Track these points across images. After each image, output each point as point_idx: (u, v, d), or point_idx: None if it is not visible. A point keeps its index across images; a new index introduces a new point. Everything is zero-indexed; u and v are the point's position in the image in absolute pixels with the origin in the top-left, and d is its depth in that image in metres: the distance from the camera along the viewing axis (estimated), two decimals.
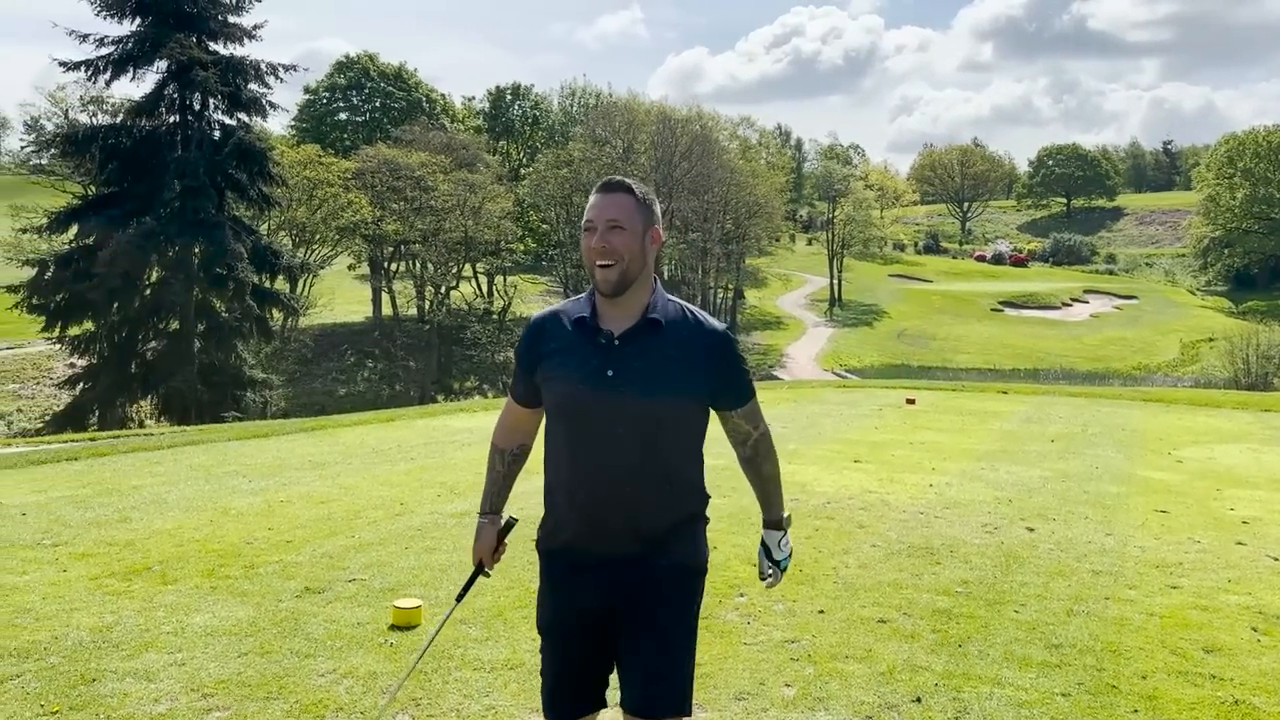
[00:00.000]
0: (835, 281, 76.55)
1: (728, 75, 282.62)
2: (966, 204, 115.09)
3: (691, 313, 2.63)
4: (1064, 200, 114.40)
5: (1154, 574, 5.99)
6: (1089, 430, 12.69)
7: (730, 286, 67.13)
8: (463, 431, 11.85)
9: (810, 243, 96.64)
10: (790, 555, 2.93)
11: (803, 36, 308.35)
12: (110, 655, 4.38)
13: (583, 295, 2.67)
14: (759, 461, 2.87)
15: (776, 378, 49.66)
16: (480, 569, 2.94)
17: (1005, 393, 17.64)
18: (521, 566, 5.87)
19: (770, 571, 2.91)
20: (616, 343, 2.54)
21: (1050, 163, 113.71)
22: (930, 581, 5.75)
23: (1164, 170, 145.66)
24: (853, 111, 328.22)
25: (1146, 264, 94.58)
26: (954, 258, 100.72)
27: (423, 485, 8.25)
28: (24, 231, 30.40)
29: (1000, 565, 6.09)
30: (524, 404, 2.80)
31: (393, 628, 4.79)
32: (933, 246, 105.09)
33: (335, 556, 6.05)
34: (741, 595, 5.46)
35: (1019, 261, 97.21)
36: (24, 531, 6.47)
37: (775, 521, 2.93)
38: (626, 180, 2.59)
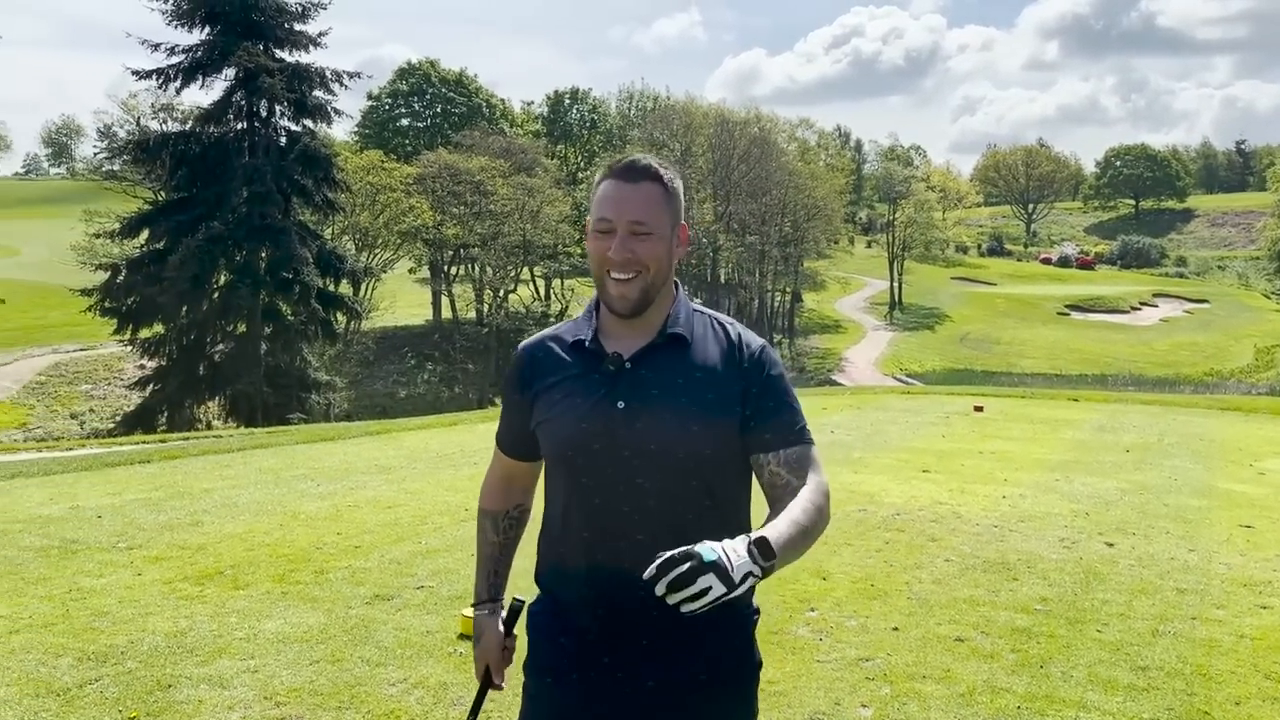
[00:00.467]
0: (896, 284, 75.68)
1: (786, 77, 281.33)
2: (1031, 206, 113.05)
3: (723, 325, 2.05)
4: (1132, 202, 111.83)
5: (1242, 593, 5.75)
6: (1165, 440, 12.31)
7: (788, 290, 66.69)
8: None
9: (870, 245, 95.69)
10: (732, 581, 1.58)
11: (863, 37, 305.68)
12: (185, 661, 4.42)
13: (579, 314, 2.10)
14: (803, 520, 1.85)
15: (836, 383, 49.20)
16: (489, 683, 2.17)
17: (1076, 400, 17.22)
18: None
19: (685, 568, 1.57)
20: (628, 366, 1.96)
21: (1118, 163, 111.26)
22: (1008, 598, 5.58)
23: (1237, 171, 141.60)
24: (914, 112, 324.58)
25: (1218, 267, 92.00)
26: (1018, 260, 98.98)
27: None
28: (97, 236, 31.22)
29: (1080, 582, 5.90)
30: (516, 456, 2.19)
31: (461, 636, 4.77)
32: (996, 249, 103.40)
33: (403, 563, 6.06)
34: (812, 610, 5.35)
35: (1086, 264, 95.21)
36: (100, 534, 6.58)
37: (763, 540, 1.67)
38: (653, 164, 1.99)
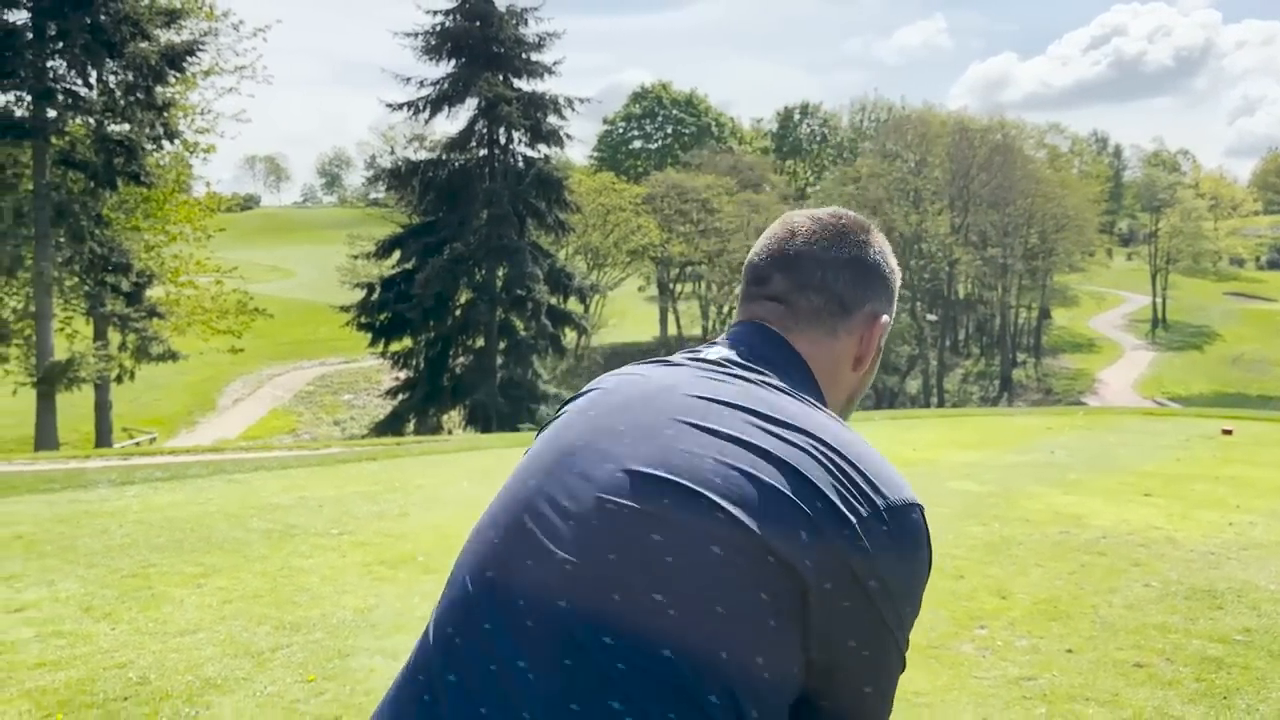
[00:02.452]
0: (1158, 300, 70.15)
1: (1038, 81, 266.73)
2: None
3: None
4: None
5: None
6: None
7: (1035, 306, 63.21)
8: None
9: (1130, 258, 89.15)
10: None
11: (1125, 36, 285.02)
12: (366, 634, 4.84)
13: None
14: None
15: (1083, 404, 46.17)
16: None
17: None
18: None
19: None
20: None
21: None
22: (1206, 627, 5.14)
23: None
24: (1183, 115, 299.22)
25: None
26: None
27: None
28: (355, 258, 34.22)
29: None
30: None
31: None
32: (1278, 261, 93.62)
33: None
34: (982, 628, 5.15)
35: None
36: (318, 521, 7.28)
37: None
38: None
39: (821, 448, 1.11)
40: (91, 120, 19.19)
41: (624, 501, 1.09)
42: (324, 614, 5.12)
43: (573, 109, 30.06)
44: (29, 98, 18.92)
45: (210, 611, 5.14)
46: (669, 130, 65.67)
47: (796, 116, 71.83)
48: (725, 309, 50.25)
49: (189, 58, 20.41)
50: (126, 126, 19.20)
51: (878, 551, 1.07)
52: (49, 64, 19.07)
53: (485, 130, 29.68)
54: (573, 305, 32.19)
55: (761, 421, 1.14)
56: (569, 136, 30.59)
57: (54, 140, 18.88)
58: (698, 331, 50.90)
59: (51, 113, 18.93)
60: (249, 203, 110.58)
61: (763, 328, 1.33)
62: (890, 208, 52.40)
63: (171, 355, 20.36)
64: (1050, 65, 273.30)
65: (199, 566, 5.99)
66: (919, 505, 1.14)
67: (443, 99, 29.56)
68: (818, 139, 71.81)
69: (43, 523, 7.16)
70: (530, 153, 30.55)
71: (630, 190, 44.40)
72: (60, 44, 18.69)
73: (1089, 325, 70.37)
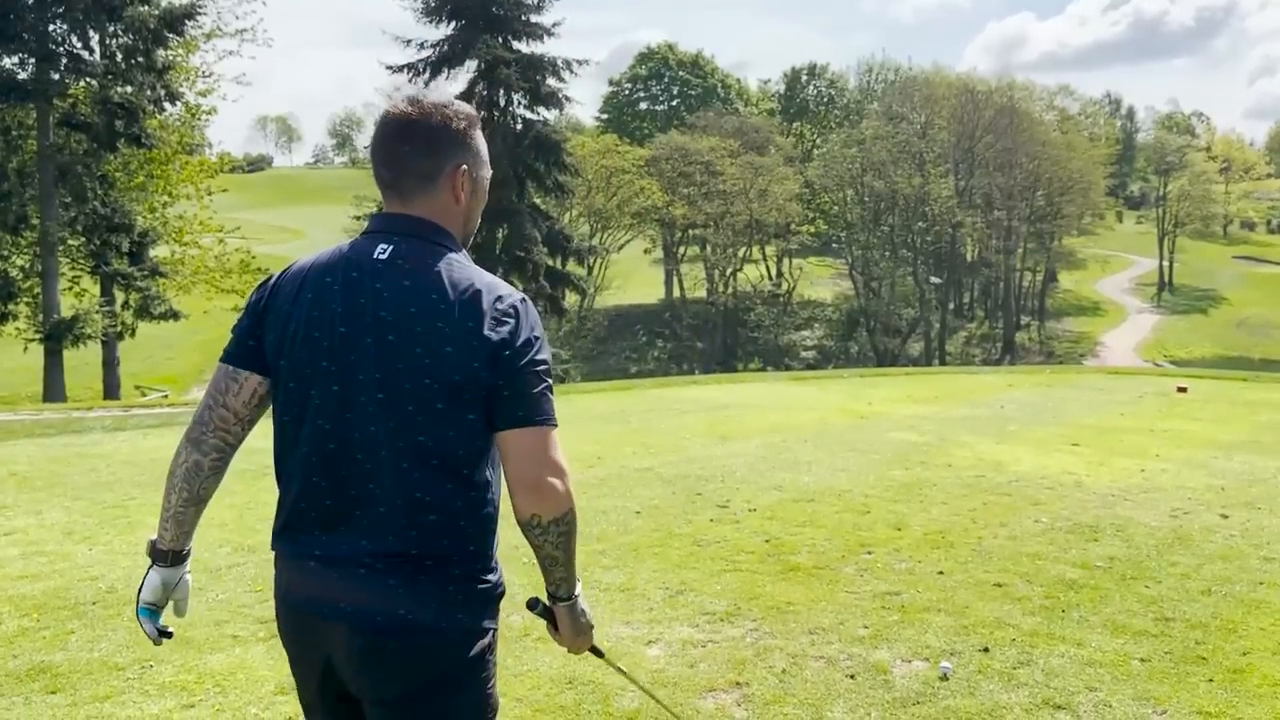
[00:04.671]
0: (1166, 263, 69.98)
1: (1056, 41, 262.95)
2: None
3: None
4: None
5: None
6: None
7: (1040, 269, 63.24)
8: (685, 400, 12.56)
9: (1139, 221, 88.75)
10: None
11: None
12: None
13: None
14: None
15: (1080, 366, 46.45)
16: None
17: None
18: (674, 514, 6.46)
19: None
20: None
21: None
22: (1075, 556, 5.68)
23: None
24: (1202, 75, 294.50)
25: None
26: None
27: (624, 444, 9.02)
28: (359, 218, 34.71)
29: (1161, 546, 5.88)
30: None
31: None
32: None
33: None
34: (869, 553, 5.71)
35: None
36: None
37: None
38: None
39: None
40: (93, 83, 19.67)
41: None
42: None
43: (572, 71, 30.29)
44: (32, 61, 19.40)
45: None
46: (675, 92, 65.58)
47: (804, 78, 71.55)
48: (729, 272, 50.59)
49: (188, 21, 20.83)
50: (128, 89, 19.67)
51: None
52: (51, 28, 19.52)
53: (484, 92, 29.95)
54: (572, 267, 32.64)
55: None
56: (568, 99, 30.82)
57: (56, 102, 19.37)
58: (701, 294, 51.34)
59: (54, 75, 19.41)
60: (260, 163, 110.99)
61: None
62: (894, 170, 52.44)
63: (174, 314, 20.95)
64: (1068, 25, 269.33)
65: None
66: None
67: (442, 61, 29.83)
68: (825, 100, 71.59)
69: (36, 462, 7.79)
70: (529, 115, 30.83)
71: (633, 153, 44.63)
72: (61, 8, 19.13)
73: (1095, 288, 70.33)
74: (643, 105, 66.95)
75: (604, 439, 9.32)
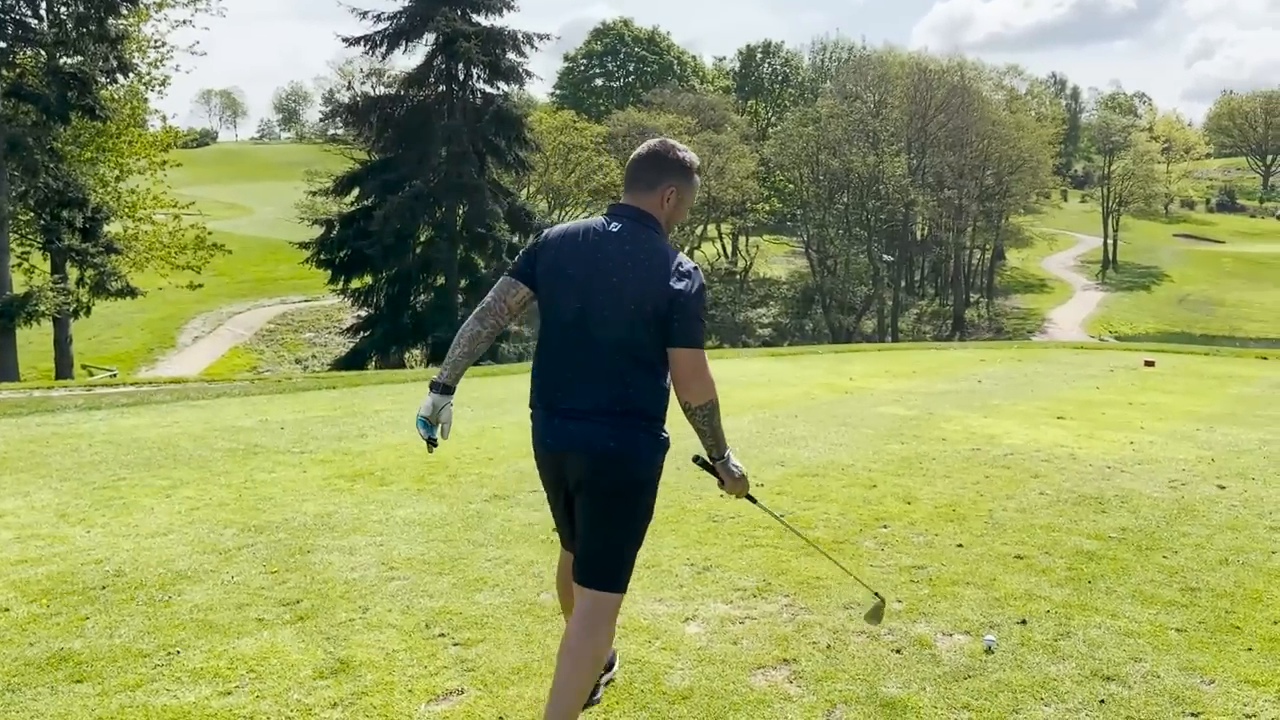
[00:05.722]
0: (1109, 241, 71.34)
1: (1001, 22, 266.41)
2: (1270, 157, 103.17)
3: None
4: None
5: None
6: None
7: (988, 246, 64.08)
8: None
9: (1084, 200, 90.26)
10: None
11: None
12: (325, 535, 5.29)
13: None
14: None
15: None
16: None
17: (1265, 358, 16.18)
18: (684, 489, 6.38)
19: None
20: None
21: None
22: (1087, 527, 5.73)
23: None
24: (1142, 58, 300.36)
25: None
26: (1252, 216, 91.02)
27: None
28: (314, 194, 33.99)
29: (1169, 516, 5.95)
30: None
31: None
32: (1227, 204, 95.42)
33: (525, 473, 6.79)
34: (885, 526, 5.70)
35: None
36: (280, 440, 7.68)
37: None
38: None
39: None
40: (42, 52, 18.94)
41: None
42: (286, 519, 5.57)
43: (533, 46, 29.91)
44: None
45: (179, 517, 5.56)
46: (631, 68, 65.16)
47: (759, 56, 71.48)
48: (686, 249, 50.53)
49: None
50: (78, 59, 18.98)
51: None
52: None
53: (444, 66, 29.46)
54: None
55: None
56: (529, 73, 30.45)
57: (4, 72, 18.65)
58: None
59: (0, 44, 18.68)
60: (205, 138, 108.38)
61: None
62: (849, 149, 52.68)
63: (130, 291, 20.37)
64: (1013, 6, 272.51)
65: (167, 480, 6.39)
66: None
67: (400, 34, 29.27)
68: (779, 79, 71.60)
69: (13, 443, 7.50)
70: (489, 89, 30.40)
71: (591, 129, 44.30)
72: None
73: (1041, 266, 71.49)
74: (599, 81, 66.50)
75: None
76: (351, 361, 29.61)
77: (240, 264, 42.06)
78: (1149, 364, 14.38)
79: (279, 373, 33.75)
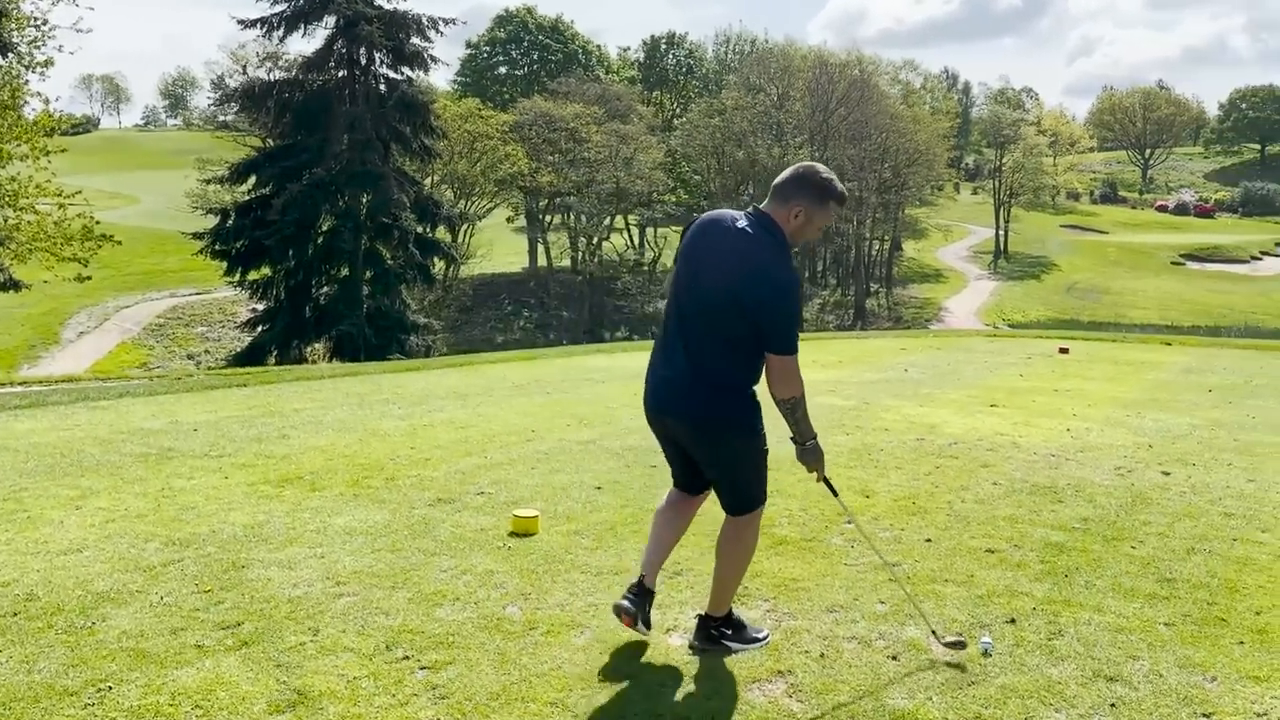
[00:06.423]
0: (1001, 233, 73.55)
1: (893, 18, 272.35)
2: (1149, 151, 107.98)
3: None
4: (1258, 146, 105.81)
5: None
6: (1253, 382, 11.97)
7: (887, 238, 65.38)
8: (598, 370, 12.22)
9: (976, 192, 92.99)
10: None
11: None
12: (259, 547, 4.86)
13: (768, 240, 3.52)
14: None
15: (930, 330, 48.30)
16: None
17: (1169, 344, 16.74)
18: (638, 488, 6.13)
19: None
20: None
21: (1244, 105, 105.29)
22: (1048, 518, 5.67)
23: None
24: (1027, 54, 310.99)
25: None
26: (1133, 208, 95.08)
27: (555, 416, 8.62)
28: (208, 183, 32.49)
29: (1125, 505, 5.94)
30: None
31: (511, 534, 5.12)
32: (1110, 196, 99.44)
33: (467, 473, 6.44)
34: (849, 522, 5.53)
35: (1204, 212, 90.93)
36: (194, 444, 7.15)
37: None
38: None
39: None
40: None
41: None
42: (213, 530, 5.11)
43: (438, 30, 29.18)
44: None
45: (93, 531, 5.06)
46: (535, 56, 64.31)
47: (663, 47, 71.37)
48: (595, 240, 50.24)
49: None
50: None
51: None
52: None
53: (345, 50, 28.49)
54: (441, 234, 31.60)
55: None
56: (434, 59, 29.70)
57: None
58: (567, 263, 50.75)
59: None
60: (87, 125, 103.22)
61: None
62: (754, 140, 53.03)
63: (13, 285, 19.08)
64: (904, 3, 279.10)
65: (75, 489, 5.84)
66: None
67: (298, 16, 28.20)
68: (684, 70, 71.64)
69: None
70: (393, 75, 29.53)
71: (497, 118, 43.51)
72: None
73: (936, 256, 73.27)
74: (502, 69, 65.46)
75: (531, 411, 8.88)
76: (250, 357, 28.45)
77: (127, 256, 40.09)
78: (1063, 351, 14.70)
79: (177, 369, 32.28)
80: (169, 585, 4.34)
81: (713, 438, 3.62)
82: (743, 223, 3.51)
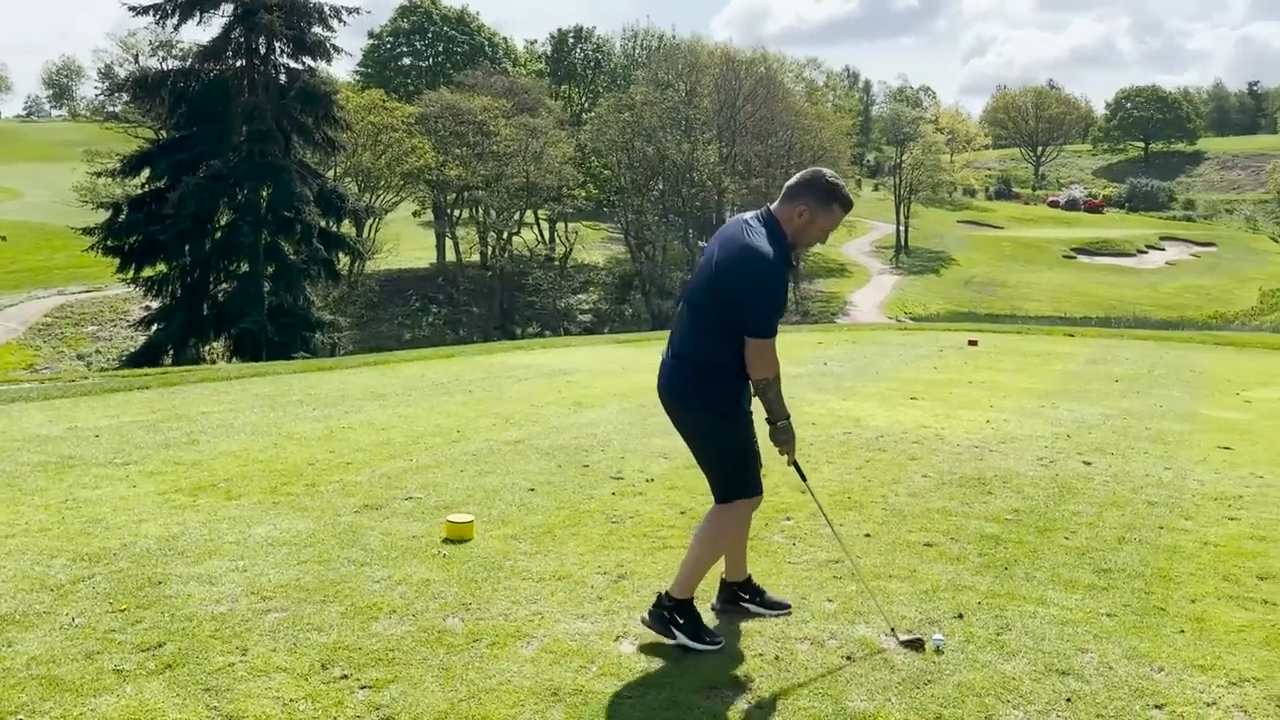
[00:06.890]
0: (902, 228, 75.29)
1: (795, 16, 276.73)
2: (1040, 148, 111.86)
3: None
4: (1142, 144, 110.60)
5: (1212, 506, 5.88)
6: (1155, 372, 12.41)
7: None
8: (519, 368, 12.00)
9: (877, 188, 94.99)
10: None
11: None
12: (175, 561, 4.58)
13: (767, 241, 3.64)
14: None
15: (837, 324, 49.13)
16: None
17: (1071, 335, 17.29)
18: (572, 489, 5.98)
19: None
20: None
21: (1129, 105, 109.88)
22: (980, 510, 5.72)
23: (1249, 113, 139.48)
24: (924, 54, 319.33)
25: (1227, 210, 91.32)
26: (1026, 203, 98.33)
27: (479, 415, 8.40)
28: (98, 175, 31.04)
29: (1053, 495, 6.04)
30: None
31: (445, 540, 4.93)
32: (1004, 192, 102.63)
33: (393, 477, 6.21)
34: (788, 519, 5.50)
35: (1093, 207, 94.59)
36: (97, 451, 6.74)
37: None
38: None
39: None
40: None
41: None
42: (124, 544, 4.79)
43: (340, 20, 28.46)
44: None
45: None
46: (440, 48, 63.21)
47: (571, 40, 70.97)
48: (505, 235, 49.68)
49: None
50: None
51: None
52: None
53: (243, 39, 27.58)
54: (346, 229, 30.83)
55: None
56: (336, 49, 28.98)
57: None
58: (476, 258, 50.07)
59: None
60: None
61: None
62: (664, 136, 53.14)
63: None
64: (805, 1, 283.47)
65: None
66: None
67: (193, 3, 27.18)
68: (592, 64, 71.38)
69: None
70: (294, 65, 28.71)
71: (402, 109, 42.62)
72: None
73: (840, 251, 74.53)
74: (406, 60, 64.20)
75: (454, 411, 8.64)
76: (145, 357, 27.35)
77: (10, 252, 38.21)
78: (972, 343, 15.03)
79: (68, 370, 30.78)
80: (80, 605, 4.04)
81: (685, 416, 3.80)
82: (749, 218, 3.73)
